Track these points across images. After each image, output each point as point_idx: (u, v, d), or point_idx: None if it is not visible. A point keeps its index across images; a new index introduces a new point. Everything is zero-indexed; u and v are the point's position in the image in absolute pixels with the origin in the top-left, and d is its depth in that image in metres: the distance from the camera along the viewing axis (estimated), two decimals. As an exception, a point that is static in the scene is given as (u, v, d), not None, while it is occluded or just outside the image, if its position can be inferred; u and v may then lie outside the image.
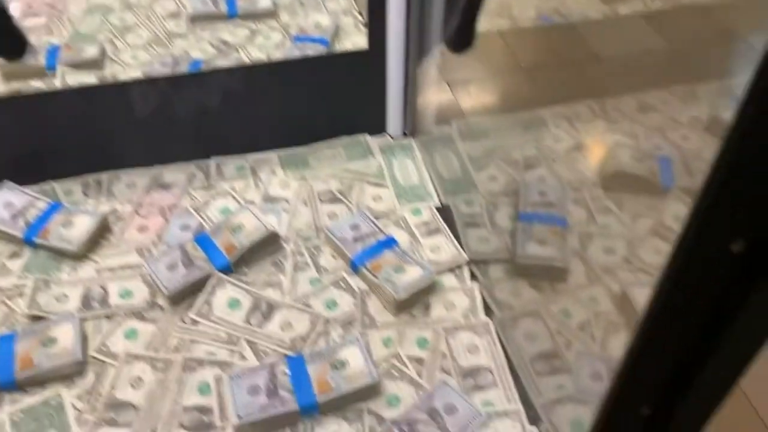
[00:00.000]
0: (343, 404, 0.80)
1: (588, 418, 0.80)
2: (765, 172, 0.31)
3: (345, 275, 0.95)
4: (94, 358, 0.85)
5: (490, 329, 0.89)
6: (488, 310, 0.92)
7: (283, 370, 0.81)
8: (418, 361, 0.86)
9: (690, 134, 1.14)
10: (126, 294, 0.91)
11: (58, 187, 1.07)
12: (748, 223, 0.33)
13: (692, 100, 1.20)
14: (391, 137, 1.16)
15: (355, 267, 0.95)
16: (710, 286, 0.35)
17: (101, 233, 0.99)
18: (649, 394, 0.40)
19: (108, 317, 0.89)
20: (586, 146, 1.14)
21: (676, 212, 1.01)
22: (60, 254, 0.96)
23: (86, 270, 0.95)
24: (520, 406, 0.81)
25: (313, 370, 0.81)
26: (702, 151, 1.09)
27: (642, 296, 0.93)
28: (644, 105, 1.20)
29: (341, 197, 1.06)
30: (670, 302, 0.36)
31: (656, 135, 1.14)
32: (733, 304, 0.35)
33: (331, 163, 1.11)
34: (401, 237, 0.99)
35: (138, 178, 1.08)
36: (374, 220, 1.00)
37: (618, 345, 0.87)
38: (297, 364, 0.81)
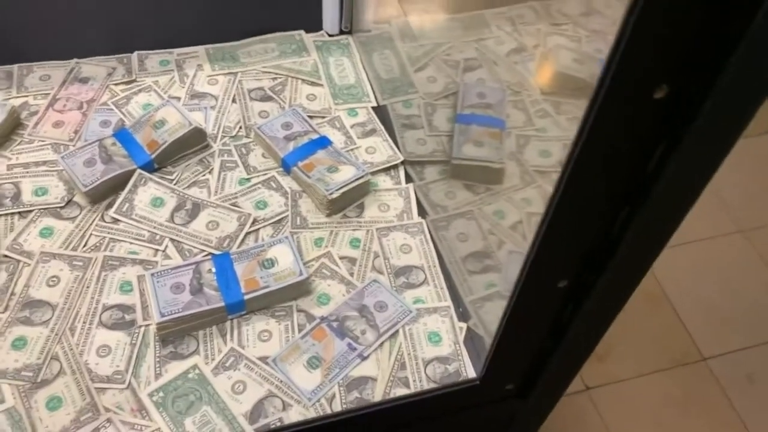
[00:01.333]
0: (272, 302, 0.79)
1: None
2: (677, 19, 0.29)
3: (276, 175, 0.92)
4: (6, 257, 0.80)
5: (423, 229, 0.88)
6: (422, 211, 0.91)
7: (209, 268, 0.78)
8: (351, 260, 0.84)
9: (632, 39, 1.12)
10: (41, 191, 0.86)
11: (-38, 78, 0.98)
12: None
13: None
14: (328, 34, 1.11)
15: (286, 166, 0.91)
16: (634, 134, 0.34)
17: (12, 128, 0.92)
18: (566, 269, 0.39)
19: (21, 215, 0.84)
20: (527, 49, 1.11)
21: (613, 116, 1.00)
22: (-34, 149, 0.89)
23: (-4, 166, 0.89)
24: (450, 303, 0.81)
25: (240, 268, 0.79)
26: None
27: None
28: (590, 9, 1.17)
29: (273, 95, 1.01)
30: (590, 158, 0.34)
31: (599, 39, 1.11)
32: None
33: (263, 59, 1.05)
34: (336, 137, 0.96)
35: (53, 70, 1.00)
36: (307, 119, 0.96)
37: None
38: (223, 262, 0.79)
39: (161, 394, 0.71)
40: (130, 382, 0.72)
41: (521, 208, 0.91)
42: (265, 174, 0.92)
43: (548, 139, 0.98)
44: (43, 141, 0.92)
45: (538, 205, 0.94)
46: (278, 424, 0.70)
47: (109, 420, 0.69)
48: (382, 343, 0.77)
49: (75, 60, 1.02)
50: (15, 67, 1.00)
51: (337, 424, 0.59)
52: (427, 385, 0.73)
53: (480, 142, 0.93)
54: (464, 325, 0.79)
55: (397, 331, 0.78)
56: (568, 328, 0.43)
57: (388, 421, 0.62)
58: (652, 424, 1.51)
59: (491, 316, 0.82)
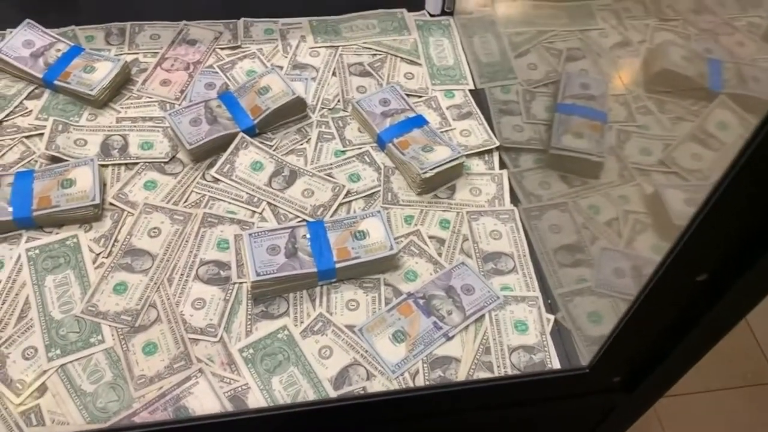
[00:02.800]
0: (361, 273, 0.79)
1: (607, 312, 0.79)
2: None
3: (370, 150, 0.92)
4: (112, 204, 0.83)
5: (515, 217, 0.87)
6: (515, 199, 0.90)
7: (304, 233, 0.79)
8: (439, 240, 0.84)
9: (746, 41, 1.07)
10: (147, 145, 0.89)
11: (80, 32, 1.02)
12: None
13: (752, 5, 1.13)
14: (430, 14, 1.10)
15: (381, 142, 0.92)
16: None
17: (123, 83, 0.96)
18: (708, 262, 0.38)
19: (127, 166, 0.87)
20: (633, 43, 1.08)
21: (720, 119, 0.97)
22: (80, 99, 0.93)
23: (106, 118, 0.92)
24: (538, 294, 0.80)
25: (333, 236, 0.80)
26: (757, 59, 1.03)
27: (673, 199, 0.91)
28: (700, 6, 1.13)
29: (371, 71, 1.01)
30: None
31: (709, 38, 1.07)
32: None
33: (364, 34, 1.06)
34: (431, 118, 0.96)
35: (163, 30, 1.03)
36: (405, 96, 0.96)
37: (645, 244, 0.86)
38: (318, 229, 0.80)
39: (251, 350, 0.73)
40: (221, 336, 0.74)
41: (617, 204, 0.89)
42: (360, 148, 0.92)
43: (650, 137, 0.96)
44: (150, 98, 0.95)
45: (635, 203, 0.92)
46: (361, 392, 0.70)
47: (200, 370, 0.71)
48: (467, 326, 0.77)
49: (184, 22, 1.04)
50: (128, 24, 1.03)
51: (424, 397, 0.60)
52: (511, 372, 0.72)
53: (580, 134, 0.91)
54: (552, 317, 0.78)
55: (483, 316, 0.77)
56: (696, 324, 0.42)
57: (474, 402, 0.62)
58: (716, 441, 1.47)
59: (580, 310, 0.80)
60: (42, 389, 0.69)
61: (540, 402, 0.60)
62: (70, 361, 0.71)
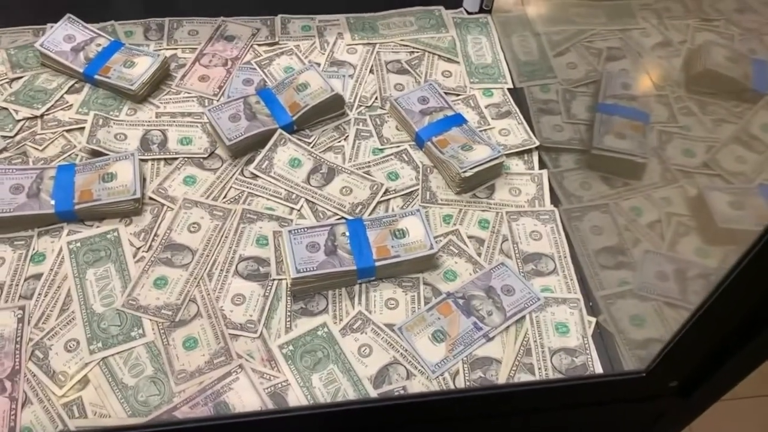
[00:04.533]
0: (400, 272, 0.79)
1: (650, 315, 0.78)
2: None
3: (408, 148, 0.92)
4: (152, 199, 0.84)
5: (555, 218, 0.86)
6: (555, 199, 0.89)
7: (343, 231, 0.79)
8: (478, 240, 0.84)
9: (791, 41, 1.05)
10: (186, 140, 0.89)
11: (119, 27, 1.03)
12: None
13: (798, 6, 1.10)
14: (467, 12, 1.09)
15: (420, 141, 0.91)
16: None
17: (162, 78, 0.96)
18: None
19: (167, 161, 0.87)
20: (674, 43, 1.06)
21: (765, 121, 0.94)
22: (120, 93, 0.93)
23: (146, 113, 0.92)
24: (580, 296, 0.79)
25: (372, 235, 0.79)
26: (803, 60, 1.01)
27: (717, 201, 0.89)
28: (744, 5, 1.10)
29: (409, 68, 1.01)
30: None
31: (754, 38, 1.05)
32: None
33: (401, 32, 1.05)
34: (470, 116, 0.95)
35: (201, 26, 1.04)
36: (443, 95, 0.95)
37: (688, 248, 0.84)
38: (357, 227, 0.79)
39: (291, 347, 0.72)
40: (261, 332, 0.73)
41: (660, 207, 0.87)
42: (398, 146, 0.92)
43: (692, 139, 0.94)
44: (189, 93, 0.95)
45: (678, 205, 0.90)
46: (401, 391, 0.70)
47: (240, 366, 0.71)
48: (508, 327, 0.76)
49: (222, 18, 1.05)
50: (166, 20, 1.04)
51: (466, 399, 0.59)
52: (552, 374, 0.71)
53: (622, 134, 0.90)
54: (593, 320, 0.77)
55: (523, 317, 0.76)
56: (763, 328, 0.40)
57: (523, 404, 0.61)
58: (747, 449, 1.44)
59: (622, 313, 0.79)
60: (84, 382, 0.69)
61: (591, 406, 0.59)
62: (112, 354, 0.71)
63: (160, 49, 1.00)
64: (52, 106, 0.92)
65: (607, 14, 1.13)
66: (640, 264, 0.83)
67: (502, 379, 0.71)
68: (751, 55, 1.07)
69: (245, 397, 0.69)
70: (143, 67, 0.93)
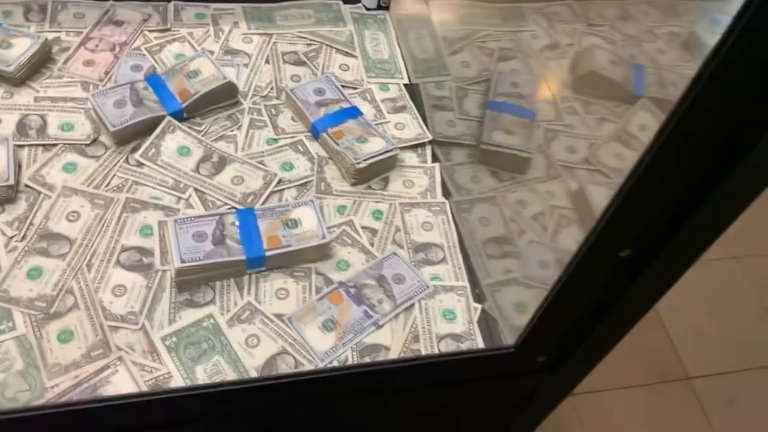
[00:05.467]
0: (292, 262, 0.78)
1: (532, 302, 0.81)
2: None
3: (304, 139, 0.91)
4: (28, 186, 0.79)
5: (446, 209, 0.88)
6: (446, 192, 0.91)
7: (233, 221, 0.77)
8: (372, 231, 0.84)
9: (666, 48, 1.12)
10: (67, 127, 0.85)
11: (-5, 6, 0.96)
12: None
13: (672, 15, 1.19)
14: (366, 8, 1.10)
15: (315, 132, 0.91)
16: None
17: (43, 61, 0.91)
18: (629, 239, 0.40)
19: (45, 147, 0.83)
20: (562, 46, 1.12)
21: (642, 121, 1.01)
22: (-6, 76, 0.87)
23: (24, 96, 0.87)
24: (467, 284, 0.81)
25: (263, 224, 0.78)
26: (676, 66, 1.09)
27: (597, 195, 0.94)
28: (626, 14, 1.17)
29: (306, 60, 1.00)
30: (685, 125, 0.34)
31: (633, 44, 1.12)
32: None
33: (299, 23, 1.04)
34: (366, 110, 0.96)
35: (88, 9, 0.99)
36: (340, 87, 0.95)
37: (569, 238, 0.88)
38: (247, 216, 0.78)
39: (174, 339, 0.70)
40: (143, 324, 0.71)
41: (544, 199, 0.91)
42: (293, 137, 0.91)
43: (575, 136, 0.99)
44: (72, 78, 0.91)
45: (561, 198, 0.95)
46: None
47: (120, 359, 0.68)
48: (397, 315, 0.77)
49: (111, 2, 1.00)
50: (49, 0, 0.98)
51: (351, 377, 0.59)
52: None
53: (510, 131, 0.93)
54: (479, 307, 0.79)
55: (413, 305, 0.78)
56: (618, 302, 0.43)
57: (404, 381, 0.62)
58: (631, 437, 1.52)
59: (507, 300, 0.82)
60: (-56, 379, 0.65)
61: (465, 383, 0.61)
62: (-23, 350, 0.67)
63: (41, 32, 0.94)
64: None
65: (500, 16, 1.17)
66: (524, 253, 0.86)
67: (389, 366, 0.72)
68: (632, 60, 1.14)
69: (124, 390, 0.66)
70: (21, 49, 0.88)
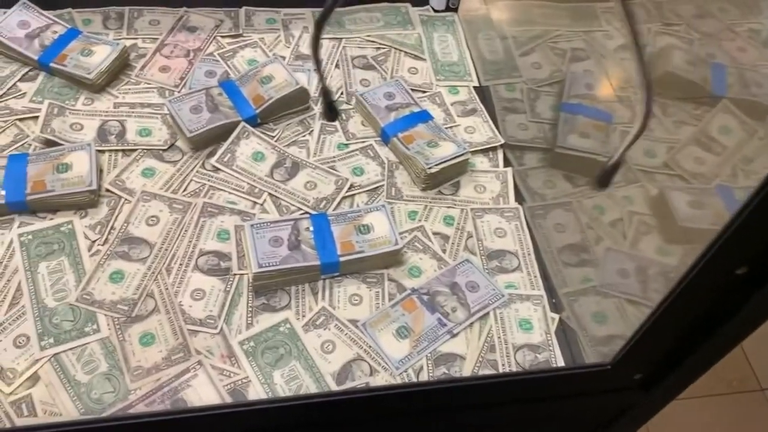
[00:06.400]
0: (364, 268, 0.78)
1: (612, 312, 0.79)
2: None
3: (374, 144, 0.91)
4: (109, 191, 0.81)
5: (519, 215, 0.86)
6: (519, 197, 0.89)
7: (307, 226, 0.78)
8: (443, 237, 0.83)
9: (746, 46, 1.07)
10: (145, 132, 0.87)
11: (77, 15, 0.99)
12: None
13: (752, 12, 1.14)
14: (434, 10, 1.09)
15: (386, 136, 0.90)
16: None
17: (121, 68, 0.93)
18: (746, 256, 0.38)
19: (125, 153, 0.85)
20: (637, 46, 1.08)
21: (723, 123, 0.97)
22: (76, 83, 0.90)
23: (104, 103, 0.90)
24: (543, 293, 0.79)
25: (337, 230, 0.78)
26: (758, 65, 1.04)
27: (677, 200, 0.90)
28: (702, 11, 1.13)
29: (375, 64, 1.00)
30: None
31: (712, 42, 1.08)
32: None
33: (367, 27, 1.04)
34: (435, 113, 0.95)
35: (162, 16, 1.01)
36: (410, 91, 0.95)
37: (649, 246, 0.85)
38: (321, 222, 0.78)
39: (252, 343, 0.71)
40: (221, 328, 0.72)
41: (622, 205, 0.88)
42: (364, 141, 0.91)
43: (653, 140, 0.95)
44: (149, 84, 0.93)
45: (639, 204, 0.92)
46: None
47: (199, 362, 0.69)
48: (472, 323, 0.75)
49: (184, 8, 1.02)
50: (126, 9, 1.01)
51: (433, 392, 0.58)
52: (515, 370, 0.71)
53: (586, 134, 0.91)
54: (557, 317, 0.77)
55: (487, 314, 0.76)
56: (728, 321, 0.41)
57: (489, 398, 0.60)
58: (701, 447, 1.47)
59: (585, 310, 0.80)
60: (34, 379, 0.67)
61: (557, 399, 0.59)
62: (64, 351, 0.68)
63: (119, 39, 0.97)
64: (4, 93, 0.88)
65: (571, 16, 1.14)
66: (602, 261, 0.83)
67: (465, 375, 0.71)
68: (710, 59, 1.09)
69: (204, 394, 0.67)
70: (101, 56, 0.90)
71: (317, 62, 0.85)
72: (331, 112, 0.81)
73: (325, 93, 0.86)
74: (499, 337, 0.74)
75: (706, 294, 0.41)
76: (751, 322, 0.42)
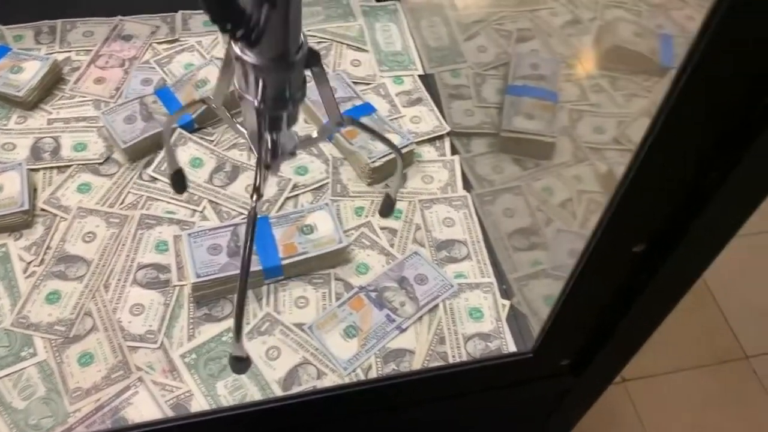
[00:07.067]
0: (310, 269, 0.76)
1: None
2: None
3: (318, 141, 0.89)
4: (44, 210, 0.79)
5: (468, 203, 0.85)
6: (467, 184, 0.87)
7: (247, 230, 0.76)
8: (391, 231, 0.81)
9: (696, 15, 1.06)
10: (80, 147, 0.85)
11: (7, 32, 0.97)
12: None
13: (701, -21, 1.12)
14: (376, 0, 1.07)
15: (328, 132, 0.88)
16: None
17: (54, 82, 0.91)
18: (645, 231, 0.36)
19: (60, 169, 0.83)
20: (583, 21, 1.06)
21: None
22: (8, 101, 0.88)
23: (37, 120, 0.87)
24: (493, 280, 0.78)
25: (278, 232, 0.76)
26: (706, 32, 1.02)
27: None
28: (650, -19, 1.11)
29: (318, 60, 0.98)
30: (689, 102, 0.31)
31: (660, 13, 1.06)
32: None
33: (308, 21, 1.02)
34: (380, 105, 0.93)
35: (97, 27, 0.99)
36: (351, 84, 0.93)
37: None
38: (262, 225, 0.76)
39: (194, 355, 0.69)
40: (162, 342, 0.70)
41: (571, 185, 0.87)
42: (307, 139, 0.89)
43: (603, 115, 0.94)
44: (84, 97, 0.90)
45: (589, 182, 0.90)
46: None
47: (140, 379, 0.67)
48: (421, 317, 0.74)
49: (119, 17, 1.00)
50: (59, 22, 0.98)
51: (370, 391, 0.57)
52: (465, 360, 0.70)
53: (531, 115, 0.89)
54: (507, 303, 0.76)
55: (437, 305, 0.75)
56: (636, 299, 0.39)
57: (426, 393, 0.59)
58: (689, 420, 1.46)
59: (536, 294, 0.78)
60: (-31, 409, 0.65)
61: (488, 390, 0.58)
62: (0, 378, 0.67)
63: (52, 53, 0.95)
64: (-67, 118, 0.86)
65: (516, -4, 1.12)
66: (553, 243, 0.82)
67: (415, 369, 0.69)
68: (659, 30, 1.07)
69: (145, 411, 0.65)
70: (31, 72, 0.88)
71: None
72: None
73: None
74: (449, 329, 0.73)
75: (608, 274, 0.40)
76: (663, 299, 0.41)
